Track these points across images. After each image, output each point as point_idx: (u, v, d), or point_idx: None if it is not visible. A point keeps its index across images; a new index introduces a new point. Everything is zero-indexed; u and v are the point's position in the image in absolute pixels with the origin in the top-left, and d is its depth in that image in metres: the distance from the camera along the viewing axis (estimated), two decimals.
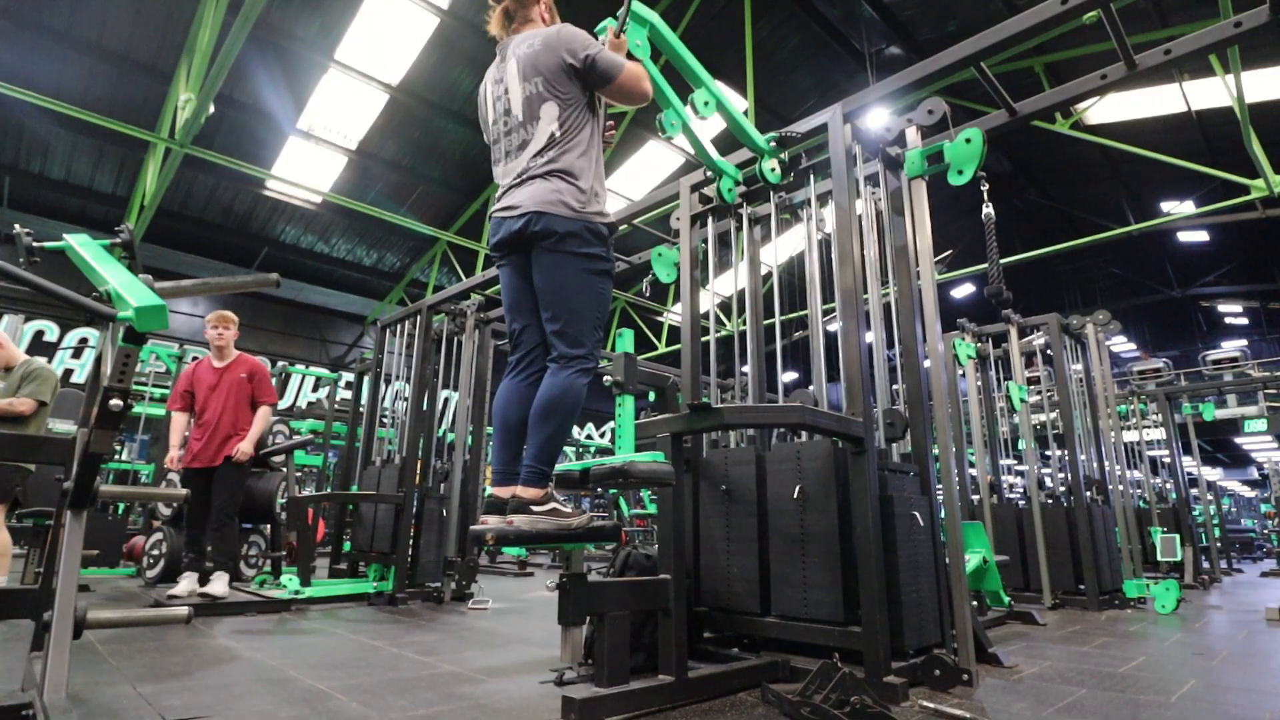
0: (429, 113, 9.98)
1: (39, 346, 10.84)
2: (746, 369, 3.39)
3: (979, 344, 5.86)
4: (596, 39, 2.27)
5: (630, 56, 2.21)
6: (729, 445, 3.17)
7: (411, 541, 4.75)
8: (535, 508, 1.82)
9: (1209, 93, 9.08)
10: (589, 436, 16.59)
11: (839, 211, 2.74)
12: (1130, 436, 8.14)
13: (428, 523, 4.89)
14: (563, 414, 1.85)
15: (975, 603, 3.89)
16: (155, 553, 4.90)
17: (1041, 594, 4.82)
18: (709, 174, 3.25)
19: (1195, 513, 8.69)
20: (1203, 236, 16.30)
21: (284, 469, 5.21)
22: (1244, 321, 20.46)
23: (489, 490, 1.97)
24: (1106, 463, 5.61)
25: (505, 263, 2.07)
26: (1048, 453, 6.61)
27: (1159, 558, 5.96)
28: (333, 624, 3.65)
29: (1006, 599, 4.15)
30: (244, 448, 4.15)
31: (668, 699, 2.08)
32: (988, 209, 3.29)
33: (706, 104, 2.59)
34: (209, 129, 8.52)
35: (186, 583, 3.96)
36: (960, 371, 5.63)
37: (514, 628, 3.67)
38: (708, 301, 3.33)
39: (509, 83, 2.05)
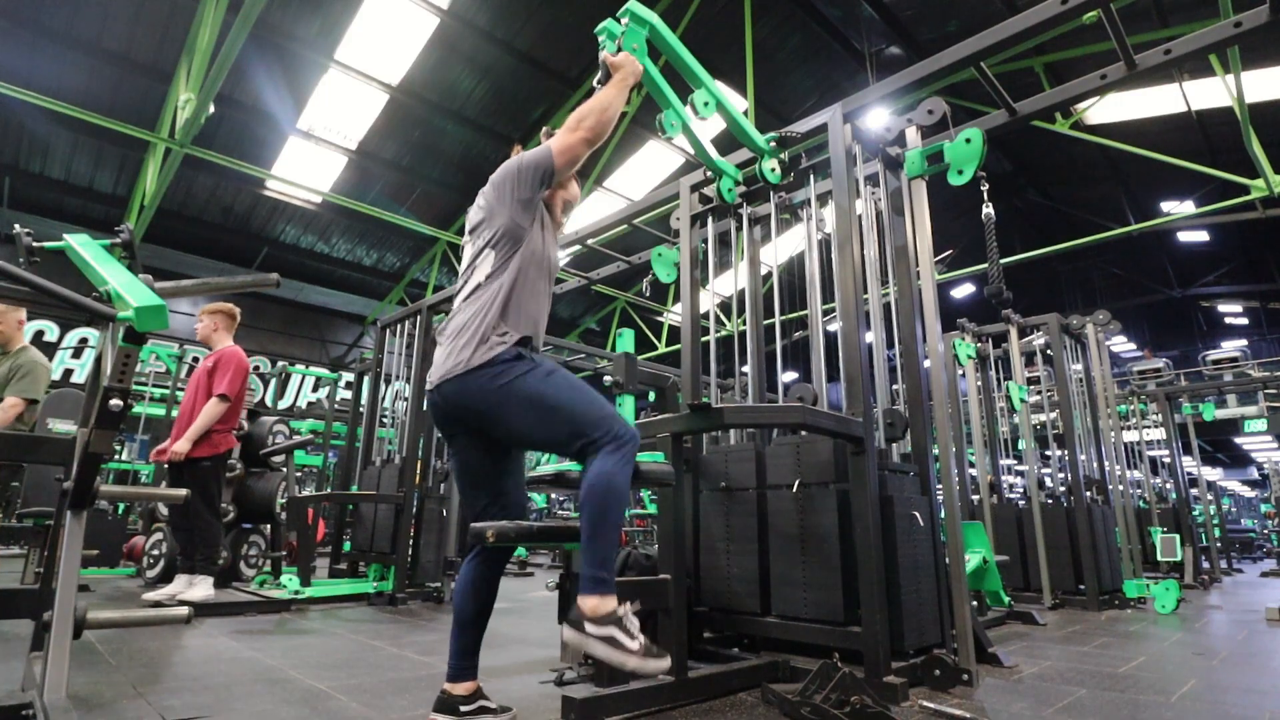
0: (429, 113, 9.98)
1: (39, 346, 10.83)
2: (746, 369, 3.39)
3: (979, 344, 5.86)
4: (598, 39, 2.28)
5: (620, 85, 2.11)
6: (729, 444, 3.17)
7: (411, 541, 4.75)
8: (591, 626, 1.55)
9: (1209, 93, 9.07)
10: None
11: (839, 211, 2.74)
12: (1130, 436, 8.14)
13: (428, 523, 4.89)
14: (596, 503, 1.61)
15: (975, 603, 3.89)
16: (155, 553, 4.90)
17: (1041, 594, 4.82)
18: (709, 174, 3.25)
19: (1195, 513, 8.69)
20: (1203, 236, 16.31)
21: (284, 469, 5.21)
22: (1244, 321, 20.47)
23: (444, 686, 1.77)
24: (1106, 463, 5.61)
25: (449, 440, 1.93)
26: (1048, 453, 6.61)
27: (1159, 558, 5.95)
28: (333, 624, 3.65)
29: (1006, 599, 4.15)
30: (177, 447, 3.86)
31: (668, 699, 2.08)
32: (988, 209, 3.28)
33: (706, 104, 2.59)
34: (209, 129, 8.52)
35: (174, 585, 3.87)
36: (960, 371, 5.63)
37: (514, 628, 3.67)
38: (708, 301, 3.33)
39: (466, 240, 1.99)
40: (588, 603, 1.57)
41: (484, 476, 1.90)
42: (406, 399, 5.30)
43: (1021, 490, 10.42)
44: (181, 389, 9.04)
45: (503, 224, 1.88)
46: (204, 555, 3.93)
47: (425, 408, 1.92)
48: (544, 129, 2.15)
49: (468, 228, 2.00)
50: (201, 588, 3.85)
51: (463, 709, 1.72)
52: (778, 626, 2.59)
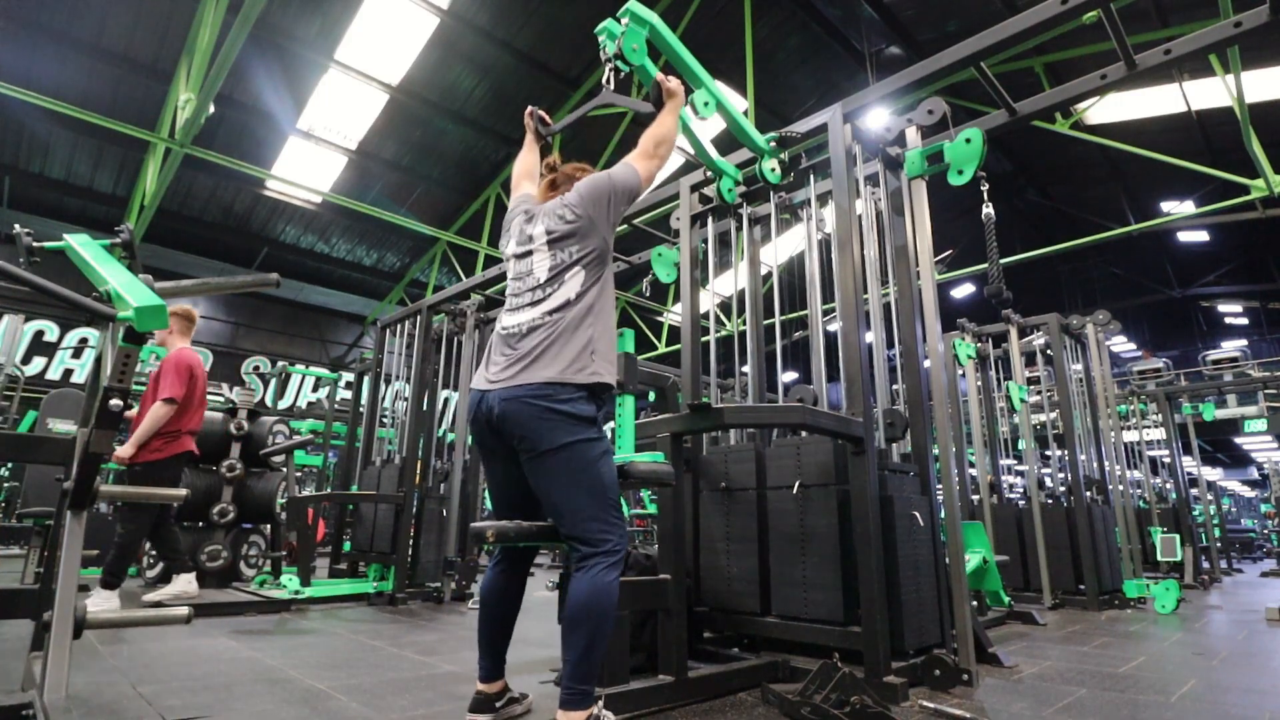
0: (429, 113, 9.98)
1: (39, 346, 10.85)
2: (746, 369, 3.39)
3: (979, 344, 5.86)
4: (598, 39, 2.28)
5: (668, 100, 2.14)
6: (728, 444, 3.17)
7: (411, 541, 4.75)
8: None
9: (1209, 93, 9.07)
10: None
11: (839, 211, 2.74)
12: (1130, 436, 8.14)
13: (428, 523, 4.89)
14: (595, 622, 1.63)
15: (975, 603, 3.89)
16: (155, 553, 4.90)
17: (1041, 594, 4.82)
18: (709, 174, 3.25)
19: (1195, 513, 8.69)
20: (1203, 236, 16.30)
21: (284, 469, 5.21)
22: (1244, 321, 20.46)
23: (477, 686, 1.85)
24: (1106, 463, 5.61)
25: (484, 451, 1.89)
26: (1048, 453, 6.61)
27: (1159, 558, 5.96)
28: (333, 624, 3.65)
29: (1006, 599, 4.15)
30: (120, 452, 3.75)
31: (668, 699, 2.08)
32: (988, 209, 3.28)
33: (706, 104, 2.59)
34: (209, 129, 8.53)
35: (173, 585, 3.87)
36: (960, 371, 5.63)
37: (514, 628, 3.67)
38: (708, 301, 3.33)
39: (535, 252, 1.89)
40: (571, 717, 1.61)
41: (513, 490, 1.87)
42: (406, 399, 5.30)
43: (1021, 490, 10.42)
44: None
45: (598, 243, 1.86)
46: (112, 562, 3.63)
47: (469, 419, 1.85)
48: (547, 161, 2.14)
49: (544, 234, 1.88)
50: (100, 599, 3.47)
51: (497, 705, 1.83)
52: (778, 626, 2.59)
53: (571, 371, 1.73)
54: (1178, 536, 5.97)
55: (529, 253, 1.92)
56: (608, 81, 2.20)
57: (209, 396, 4.78)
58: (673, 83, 2.14)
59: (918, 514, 2.59)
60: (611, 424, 3.96)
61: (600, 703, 1.68)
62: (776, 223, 3.34)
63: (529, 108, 2.22)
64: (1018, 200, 14.86)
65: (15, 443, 2.62)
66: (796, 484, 2.67)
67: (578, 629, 1.63)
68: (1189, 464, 9.49)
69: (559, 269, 1.84)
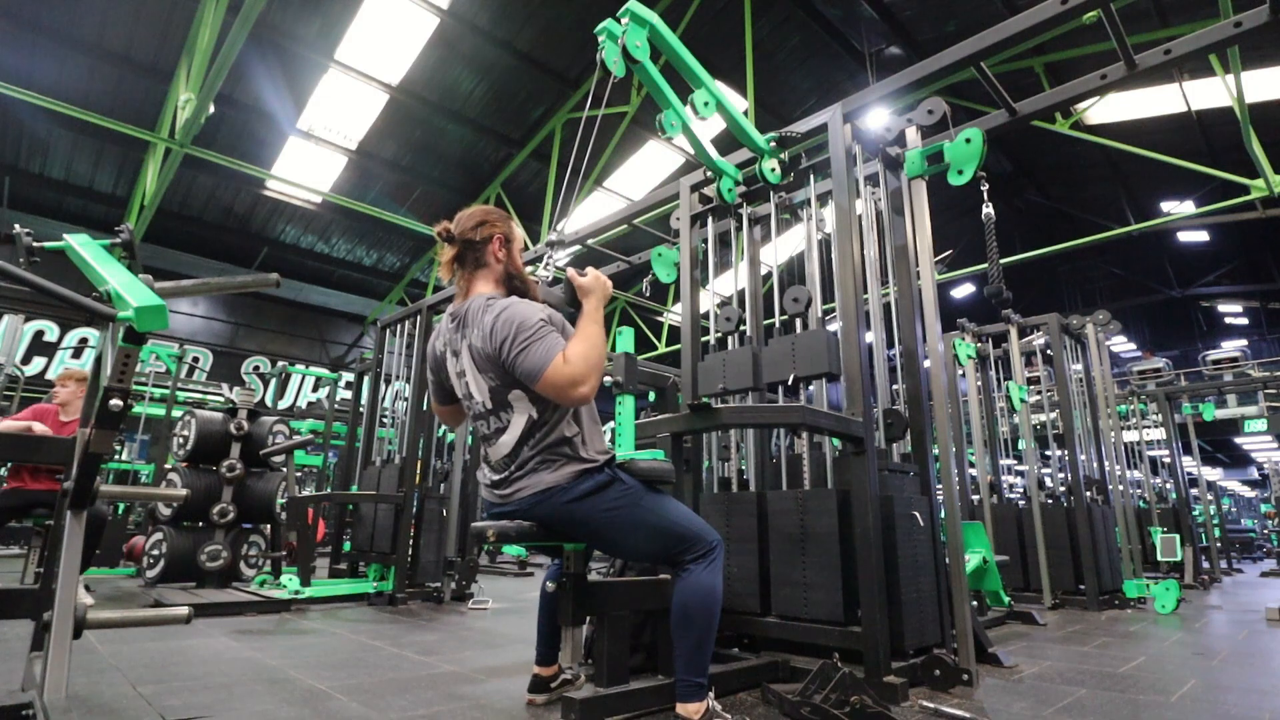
0: (429, 113, 9.98)
1: (39, 346, 10.85)
2: None
3: (979, 344, 5.85)
4: (598, 44, 2.27)
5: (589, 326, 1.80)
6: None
7: (411, 541, 4.75)
8: None
9: (1209, 93, 9.08)
10: None
11: (839, 211, 2.74)
12: (1130, 436, 8.13)
13: (428, 523, 4.89)
14: (701, 619, 1.73)
15: (975, 603, 3.89)
16: (155, 553, 4.90)
17: (1041, 594, 4.82)
18: (709, 174, 3.25)
19: (1195, 513, 8.69)
20: (1203, 236, 16.33)
21: (284, 469, 5.21)
22: (1244, 321, 20.47)
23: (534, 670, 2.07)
24: (1106, 463, 5.61)
25: None
26: (1048, 453, 6.61)
27: (1159, 558, 5.95)
28: (333, 624, 3.65)
29: (1006, 599, 4.15)
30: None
31: (668, 699, 2.07)
32: (988, 209, 3.28)
33: (706, 104, 2.59)
34: (209, 129, 8.53)
35: None
36: (960, 371, 5.62)
37: (514, 628, 3.68)
38: (708, 301, 3.33)
39: (467, 372, 1.81)
40: (689, 709, 1.72)
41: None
42: (406, 399, 5.30)
43: (1021, 490, 10.42)
44: (182, 389, 9.07)
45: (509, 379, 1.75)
46: None
47: (488, 508, 1.90)
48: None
49: (468, 355, 1.79)
50: None
51: (551, 685, 2.06)
52: (778, 626, 2.59)
53: (570, 469, 1.75)
54: (1178, 536, 5.97)
55: (461, 373, 1.84)
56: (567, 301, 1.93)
57: (209, 395, 4.78)
58: (585, 278, 1.80)
59: (918, 514, 2.59)
60: (611, 424, 3.97)
61: (712, 693, 1.76)
62: (776, 223, 3.34)
63: None
64: (1018, 200, 14.87)
65: (15, 443, 2.62)
66: (791, 376, 2.65)
67: (686, 627, 1.74)
68: (1189, 464, 9.48)
69: (496, 391, 1.77)
